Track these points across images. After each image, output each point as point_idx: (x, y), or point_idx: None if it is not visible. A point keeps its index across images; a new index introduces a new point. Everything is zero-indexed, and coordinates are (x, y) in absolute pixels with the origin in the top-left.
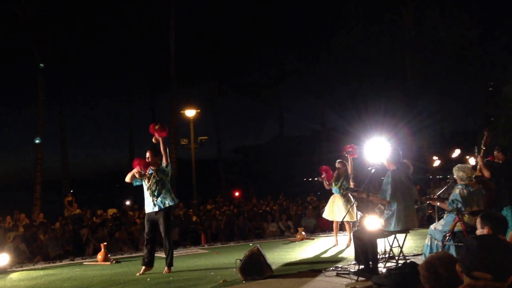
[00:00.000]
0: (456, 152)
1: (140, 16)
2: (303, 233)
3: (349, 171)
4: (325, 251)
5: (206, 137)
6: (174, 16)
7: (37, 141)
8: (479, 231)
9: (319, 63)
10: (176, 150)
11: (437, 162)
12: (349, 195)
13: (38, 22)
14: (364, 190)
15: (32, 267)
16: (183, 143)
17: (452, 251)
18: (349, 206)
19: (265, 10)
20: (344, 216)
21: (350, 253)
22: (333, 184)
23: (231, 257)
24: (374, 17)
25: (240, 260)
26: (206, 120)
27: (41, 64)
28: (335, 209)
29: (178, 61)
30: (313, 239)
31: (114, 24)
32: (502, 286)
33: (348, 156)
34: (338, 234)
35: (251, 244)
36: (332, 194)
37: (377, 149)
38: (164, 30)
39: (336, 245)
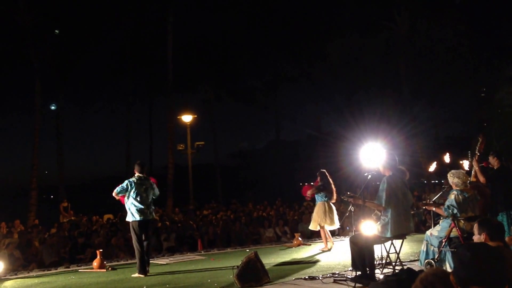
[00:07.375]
0: (447, 157)
1: (137, 22)
2: (300, 238)
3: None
4: (322, 257)
5: (202, 142)
6: (171, 22)
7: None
8: (476, 237)
9: (314, 70)
10: (173, 155)
11: (433, 167)
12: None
13: (36, 28)
14: (360, 196)
15: (27, 274)
16: (180, 148)
17: (448, 257)
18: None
19: (261, 16)
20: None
21: (347, 259)
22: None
23: (228, 263)
24: (369, 25)
25: (237, 267)
26: (202, 126)
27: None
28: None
29: (175, 67)
30: (310, 244)
31: (111, 29)
32: None
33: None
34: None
35: (247, 250)
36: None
37: (373, 154)
38: (162, 36)
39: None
